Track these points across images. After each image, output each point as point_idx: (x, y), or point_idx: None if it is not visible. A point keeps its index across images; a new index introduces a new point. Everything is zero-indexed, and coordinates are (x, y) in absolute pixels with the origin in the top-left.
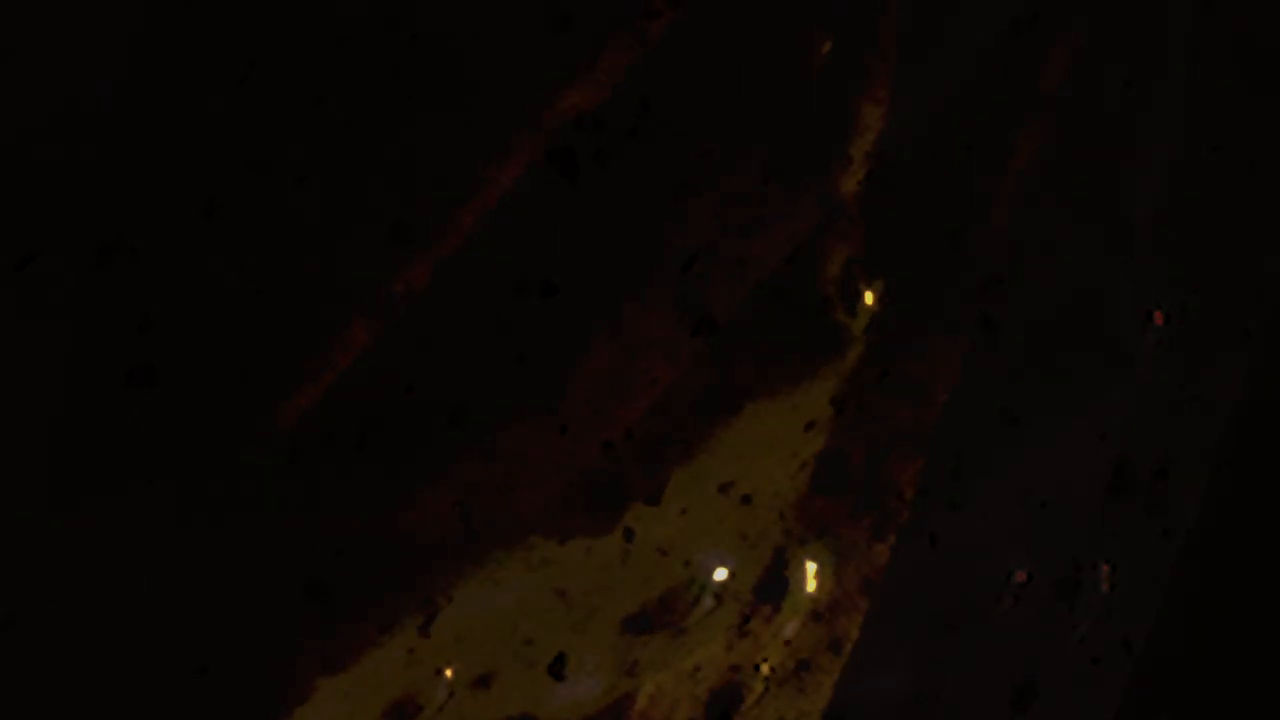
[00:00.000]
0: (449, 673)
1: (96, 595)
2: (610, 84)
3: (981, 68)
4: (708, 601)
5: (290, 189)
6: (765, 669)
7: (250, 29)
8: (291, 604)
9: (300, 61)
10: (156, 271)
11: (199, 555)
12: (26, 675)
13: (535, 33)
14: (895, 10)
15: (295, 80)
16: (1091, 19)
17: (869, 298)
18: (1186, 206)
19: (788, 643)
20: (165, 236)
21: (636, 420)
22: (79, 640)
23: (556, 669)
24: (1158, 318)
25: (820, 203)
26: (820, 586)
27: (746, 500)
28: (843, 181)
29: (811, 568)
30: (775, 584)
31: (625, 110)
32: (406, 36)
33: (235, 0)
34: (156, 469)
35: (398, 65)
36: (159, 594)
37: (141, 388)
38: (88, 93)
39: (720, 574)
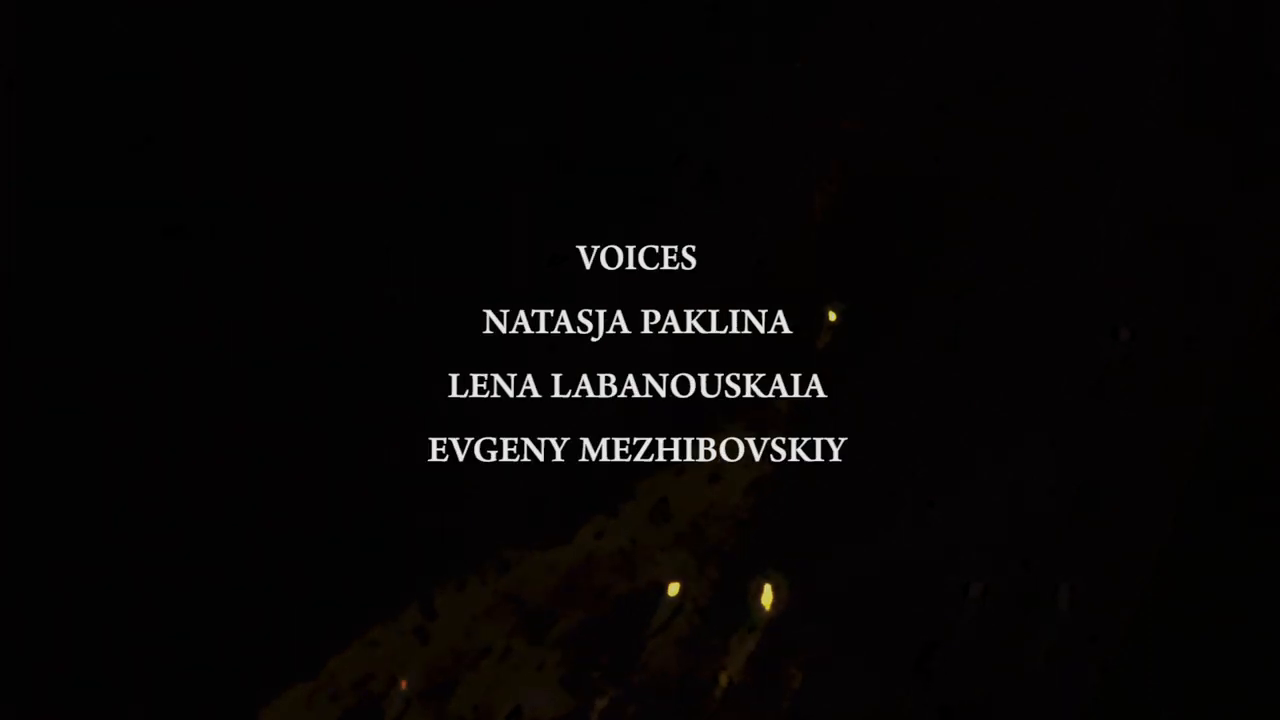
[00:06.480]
0: (404, 685)
1: (62, 595)
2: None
3: (953, 88)
4: (663, 614)
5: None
6: (724, 681)
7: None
8: (255, 610)
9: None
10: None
11: (168, 560)
12: None
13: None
14: (871, 30)
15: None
16: (1067, 37)
17: (832, 315)
18: (1154, 224)
19: (745, 657)
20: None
21: (598, 432)
22: (46, 639)
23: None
24: (1124, 333)
25: (787, 218)
26: (777, 600)
27: (705, 514)
28: (811, 197)
29: (769, 582)
30: (733, 598)
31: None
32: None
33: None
34: (129, 470)
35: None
36: (125, 598)
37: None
38: None
39: (675, 588)
